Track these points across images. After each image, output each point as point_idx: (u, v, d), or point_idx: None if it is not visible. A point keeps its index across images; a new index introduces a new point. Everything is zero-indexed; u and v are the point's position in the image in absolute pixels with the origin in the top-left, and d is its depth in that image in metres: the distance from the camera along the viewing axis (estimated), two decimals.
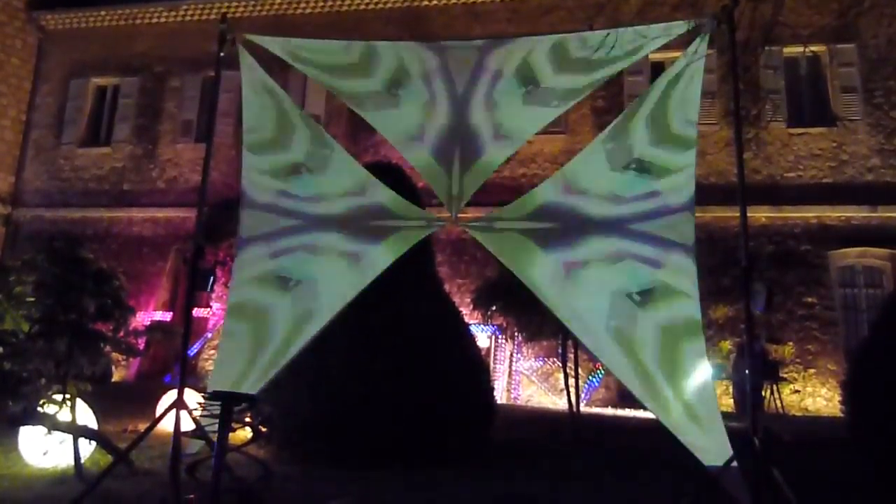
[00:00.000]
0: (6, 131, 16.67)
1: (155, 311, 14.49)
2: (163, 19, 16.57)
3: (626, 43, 4.36)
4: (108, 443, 5.59)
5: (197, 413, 3.95)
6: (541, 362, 12.97)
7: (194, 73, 15.88)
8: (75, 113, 16.73)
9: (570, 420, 8.55)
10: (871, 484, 5.11)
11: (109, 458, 5.30)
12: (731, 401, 11.64)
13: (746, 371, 3.96)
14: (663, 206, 4.46)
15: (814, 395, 12.07)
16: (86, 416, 5.74)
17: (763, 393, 10.99)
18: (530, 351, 12.90)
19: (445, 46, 4.88)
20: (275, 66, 5.39)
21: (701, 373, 4.12)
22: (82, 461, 5.34)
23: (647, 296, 4.36)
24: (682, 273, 4.34)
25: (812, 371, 12.20)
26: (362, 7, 15.40)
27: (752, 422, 3.83)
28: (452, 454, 5.88)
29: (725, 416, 4.37)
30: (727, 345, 12.30)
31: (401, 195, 5.08)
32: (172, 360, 13.57)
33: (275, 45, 4.92)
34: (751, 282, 3.99)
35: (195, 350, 13.68)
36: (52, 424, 5.36)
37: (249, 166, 5.09)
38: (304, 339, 4.73)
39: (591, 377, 12.49)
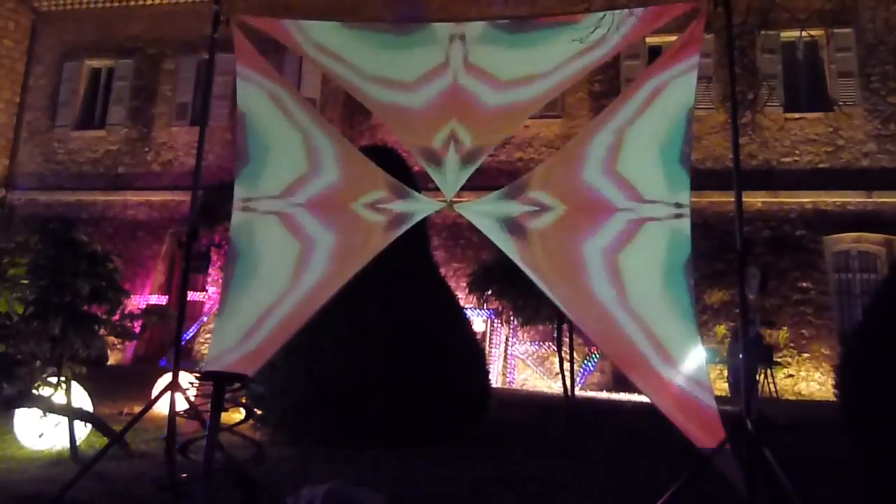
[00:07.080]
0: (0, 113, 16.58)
1: (150, 294, 14.50)
2: (157, 1, 16.43)
3: (622, 25, 4.32)
4: (103, 425, 5.60)
5: (190, 393, 3.95)
6: (536, 346, 13.02)
7: (189, 55, 15.78)
8: (69, 95, 16.63)
9: (565, 403, 8.59)
10: (861, 466, 5.15)
11: (105, 441, 5.30)
12: (726, 385, 11.71)
13: (741, 355, 3.97)
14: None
15: (807, 379, 12.15)
16: (81, 398, 5.74)
17: (757, 377, 11.06)
18: (526, 335, 12.94)
19: (436, 28, 4.81)
20: (269, 47, 5.34)
21: (695, 356, 4.12)
22: (78, 443, 5.35)
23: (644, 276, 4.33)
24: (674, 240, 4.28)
25: (806, 355, 12.27)
26: None
27: (745, 404, 3.85)
28: (448, 436, 5.91)
29: (719, 399, 4.37)
30: (722, 329, 12.36)
31: (397, 178, 5.06)
32: (168, 343, 13.57)
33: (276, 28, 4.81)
34: (745, 266, 3.97)
35: (191, 333, 13.70)
36: (48, 407, 5.36)
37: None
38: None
39: (585, 361, 12.55)
